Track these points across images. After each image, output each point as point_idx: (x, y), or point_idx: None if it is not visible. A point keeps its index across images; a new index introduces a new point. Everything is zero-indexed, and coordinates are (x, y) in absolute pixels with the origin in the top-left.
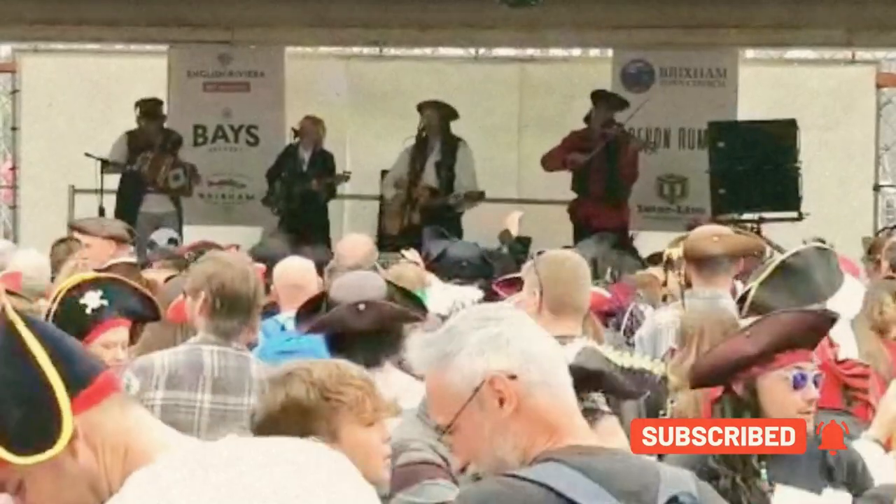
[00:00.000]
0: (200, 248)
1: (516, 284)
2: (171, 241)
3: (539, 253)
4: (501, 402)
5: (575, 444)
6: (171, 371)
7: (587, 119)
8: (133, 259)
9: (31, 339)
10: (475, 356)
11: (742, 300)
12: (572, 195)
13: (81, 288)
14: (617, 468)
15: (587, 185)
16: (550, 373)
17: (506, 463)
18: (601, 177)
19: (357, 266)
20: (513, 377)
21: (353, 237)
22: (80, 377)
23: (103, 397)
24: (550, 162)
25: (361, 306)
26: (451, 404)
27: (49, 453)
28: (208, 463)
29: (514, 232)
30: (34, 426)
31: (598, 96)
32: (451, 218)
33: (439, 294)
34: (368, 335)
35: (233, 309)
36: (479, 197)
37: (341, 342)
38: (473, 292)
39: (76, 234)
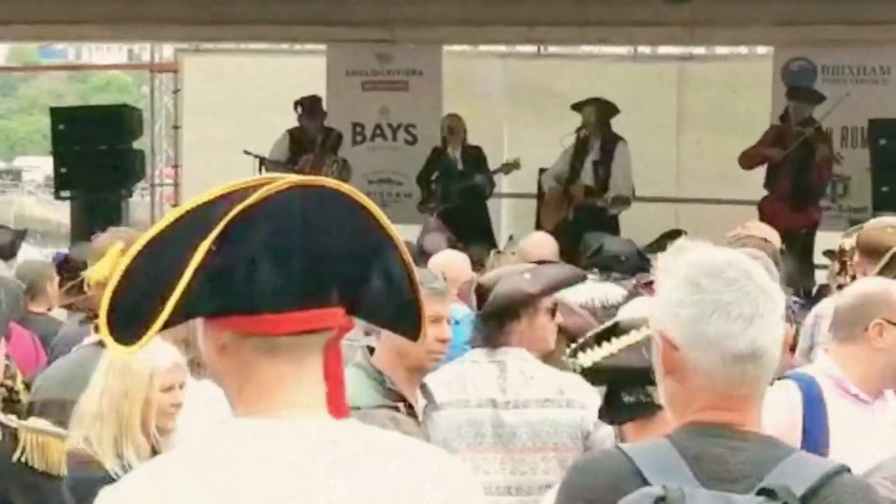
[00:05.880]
0: None
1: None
2: None
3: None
4: None
5: (700, 419)
6: None
7: (783, 117)
8: None
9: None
10: None
11: None
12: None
13: None
14: (725, 453)
15: (776, 182)
16: None
17: None
18: (789, 176)
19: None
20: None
21: (537, 236)
22: None
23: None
24: (747, 160)
25: (527, 275)
26: None
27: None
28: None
29: None
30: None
31: (795, 92)
32: (606, 216)
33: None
34: None
35: None
36: (626, 202)
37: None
38: (617, 290)
39: None
